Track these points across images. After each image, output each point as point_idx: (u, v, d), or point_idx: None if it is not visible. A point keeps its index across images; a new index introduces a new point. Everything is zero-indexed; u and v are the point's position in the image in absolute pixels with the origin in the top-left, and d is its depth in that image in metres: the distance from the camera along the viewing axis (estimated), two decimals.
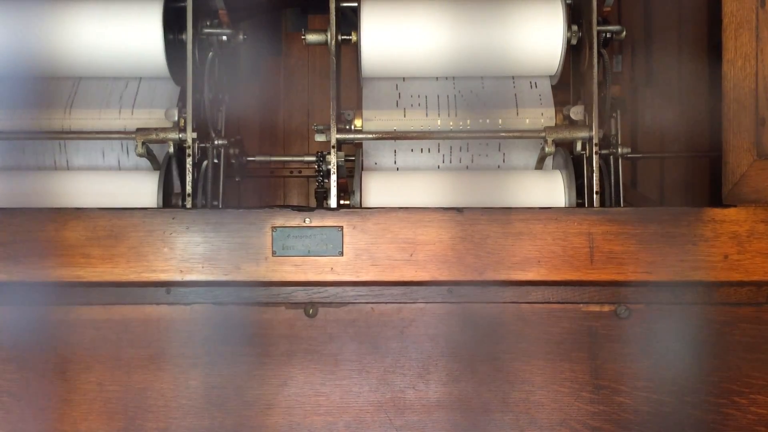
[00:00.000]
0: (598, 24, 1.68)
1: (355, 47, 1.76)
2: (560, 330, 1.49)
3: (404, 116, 1.79)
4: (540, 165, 1.81)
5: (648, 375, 1.48)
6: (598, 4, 1.66)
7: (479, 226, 1.43)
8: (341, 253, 1.44)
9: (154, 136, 1.68)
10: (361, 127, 1.78)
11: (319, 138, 1.75)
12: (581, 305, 1.49)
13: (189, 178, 1.67)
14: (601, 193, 1.66)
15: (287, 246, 1.43)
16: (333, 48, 1.69)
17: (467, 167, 1.81)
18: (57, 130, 1.77)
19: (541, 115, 1.78)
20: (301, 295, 1.49)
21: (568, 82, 1.88)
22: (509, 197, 1.70)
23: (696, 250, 1.43)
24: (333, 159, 1.66)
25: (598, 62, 1.68)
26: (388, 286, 1.48)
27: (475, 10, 1.72)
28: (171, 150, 1.69)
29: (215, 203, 1.82)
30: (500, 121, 1.78)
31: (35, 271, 1.43)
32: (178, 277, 1.43)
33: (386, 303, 1.49)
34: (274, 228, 1.44)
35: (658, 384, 1.48)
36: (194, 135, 1.68)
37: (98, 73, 1.82)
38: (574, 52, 1.82)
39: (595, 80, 1.67)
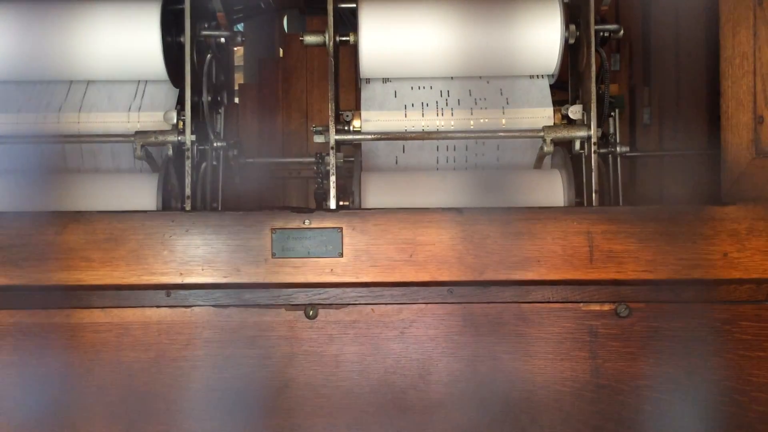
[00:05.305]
0: (596, 23, 1.68)
1: (354, 48, 1.76)
2: (560, 329, 1.49)
3: (403, 117, 1.79)
4: (539, 164, 1.81)
5: (649, 373, 1.48)
6: (595, 3, 1.66)
7: (479, 226, 1.43)
8: (341, 255, 1.44)
9: (153, 139, 1.68)
10: (360, 128, 1.78)
11: (318, 139, 1.75)
12: (581, 304, 1.49)
13: (188, 180, 1.67)
14: (600, 192, 1.66)
15: (287, 248, 1.43)
16: (331, 49, 1.69)
17: (468, 166, 1.82)
18: (56, 133, 1.76)
19: (540, 115, 1.78)
20: (301, 296, 1.49)
21: (567, 81, 1.88)
22: (508, 197, 1.70)
23: (695, 248, 1.43)
24: (332, 160, 1.66)
25: (596, 61, 1.68)
26: (388, 287, 1.48)
27: (473, 10, 1.73)
28: (170, 152, 1.69)
29: (214, 205, 1.82)
30: (498, 121, 1.78)
31: (35, 275, 1.43)
32: (178, 280, 1.43)
33: (386, 304, 1.49)
34: (273, 230, 1.44)
35: (659, 382, 1.48)
36: (193, 137, 1.68)
37: (95, 76, 1.82)
38: (572, 51, 1.82)
39: (593, 79, 1.67)
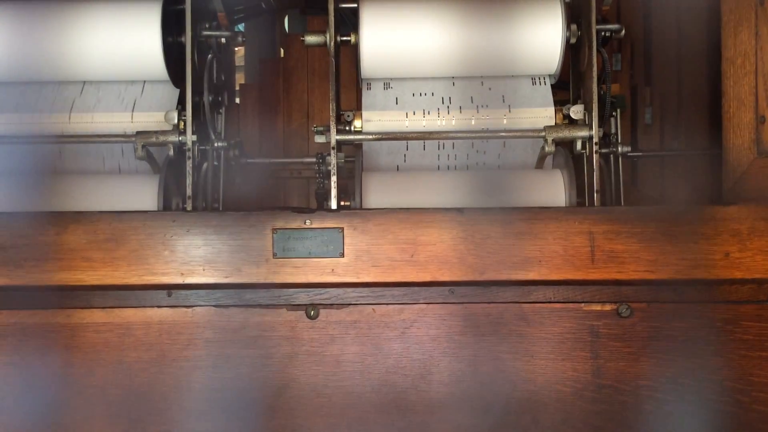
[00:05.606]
0: (597, 23, 1.68)
1: (355, 48, 1.76)
2: (562, 329, 1.49)
3: (404, 117, 1.79)
4: (540, 164, 1.80)
5: (650, 374, 1.48)
6: (597, 3, 1.66)
7: (480, 227, 1.43)
8: (342, 255, 1.44)
9: (154, 139, 1.68)
10: (361, 128, 1.78)
11: (319, 139, 1.75)
12: (583, 304, 1.49)
13: (189, 180, 1.67)
14: (602, 192, 1.66)
15: (288, 248, 1.43)
16: (332, 49, 1.69)
17: (468, 166, 1.81)
18: (58, 134, 1.76)
19: (541, 115, 1.78)
20: (302, 296, 1.49)
21: (568, 81, 1.88)
22: (510, 197, 1.70)
23: (697, 249, 1.43)
24: (333, 160, 1.66)
25: (598, 61, 1.68)
26: (389, 287, 1.48)
27: (475, 10, 1.72)
28: (171, 153, 1.69)
29: (215, 206, 1.82)
30: (500, 122, 1.78)
31: (36, 275, 1.42)
32: (179, 280, 1.43)
33: (387, 304, 1.49)
34: (274, 230, 1.44)
35: (661, 383, 1.48)
36: (194, 137, 1.68)
37: (96, 76, 1.82)
38: (573, 51, 1.82)
39: (595, 79, 1.67)
